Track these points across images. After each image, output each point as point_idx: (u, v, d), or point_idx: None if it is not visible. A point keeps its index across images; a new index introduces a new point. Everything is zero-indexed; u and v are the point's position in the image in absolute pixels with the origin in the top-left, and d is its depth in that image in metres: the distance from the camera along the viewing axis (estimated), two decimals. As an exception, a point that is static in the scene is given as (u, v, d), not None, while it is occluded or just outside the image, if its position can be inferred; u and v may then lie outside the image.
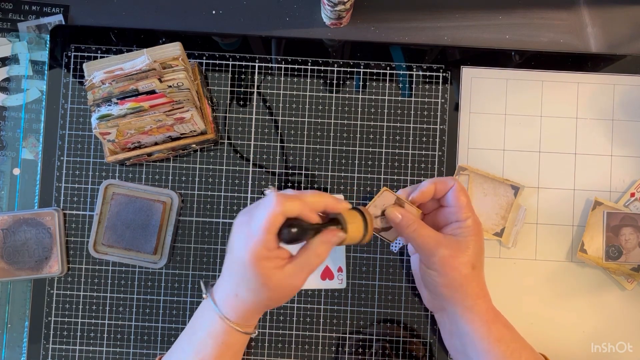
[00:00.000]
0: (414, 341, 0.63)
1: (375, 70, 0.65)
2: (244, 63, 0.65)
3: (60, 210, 0.63)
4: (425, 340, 0.63)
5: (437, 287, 0.54)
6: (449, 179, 0.55)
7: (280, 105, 0.65)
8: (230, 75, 0.65)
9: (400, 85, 0.65)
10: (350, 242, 0.51)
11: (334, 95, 0.65)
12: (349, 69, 0.65)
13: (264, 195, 0.50)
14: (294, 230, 0.47)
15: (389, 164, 0.64)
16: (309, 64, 0.65)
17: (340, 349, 0.63)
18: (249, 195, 0.64)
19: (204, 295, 0.52)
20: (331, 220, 0.50)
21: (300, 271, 0.49)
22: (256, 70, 0.65)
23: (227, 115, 0.64)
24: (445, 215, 0.55)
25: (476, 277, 0.53)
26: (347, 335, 0.63)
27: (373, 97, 0.65)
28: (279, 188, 0.64)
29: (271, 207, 0.46)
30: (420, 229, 0.54)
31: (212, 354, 0.50)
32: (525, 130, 0.64)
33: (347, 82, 0.65)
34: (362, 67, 0.65)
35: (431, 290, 0.57)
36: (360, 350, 0.63)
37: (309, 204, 0.48)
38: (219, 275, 0.63)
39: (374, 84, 0.65)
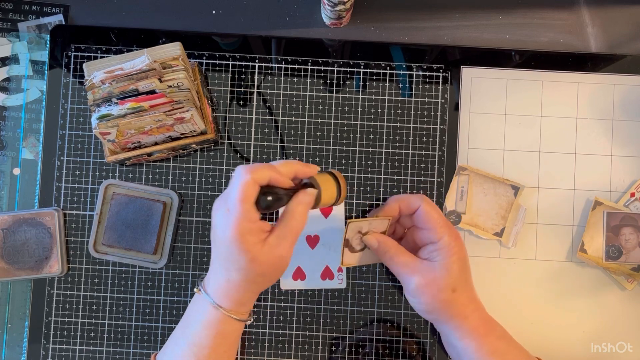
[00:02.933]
0: (413, 341, 0.63)
1: (375, 70, 0.65)
2: (244, 63, 0.65)
3: (60, 210, 0.63)
4: (425, 341, 0.63)
5: (420, 312, 0.55)
6: (415, 199, 0.53)
7: (280, 105, 0.65)
8: (230, 75, 0.65)
9: (400, 85, 0.65)
10: (325, 204, 0.51)
11: (334, 95, 0.65)
12: (349, 69, 0.65)
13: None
14: (269, 198, 0.48)
15: (389, 164, 0.64)
16: (309, 64, 0.65)
17: (340, 349, 0.63)
18: (249, 195, 0.64)
19: (195, 289, 0.52)
20: (304, 185, 0.51)
21: (283, 239, 0.48)
22: (256, 70, 0.65)
23: (227, 115, 0.65)
24: (420, 235, 0.54)
25: (459, 298, 0.52)
26: (347, 335, 0.63)
27: (373, 97, 0.65)
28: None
29: (241, 177, 0.46)
30: (397, 256, 0.53)
31: (208, 345, 0.50)
32: (525, 130, 0.64)
33: (347, 82, 0.65)
34: (362, 67, 0.65)
35: (418, 313, 0.56)
36: (360, 350, 0.63)
37: (279, 170, 0.48)
38: (219, 275, 0.63)
39: (374, 84, 0.65)
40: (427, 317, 0.55)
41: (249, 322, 0.53)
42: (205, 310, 0.50)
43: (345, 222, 0.56)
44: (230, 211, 0.47)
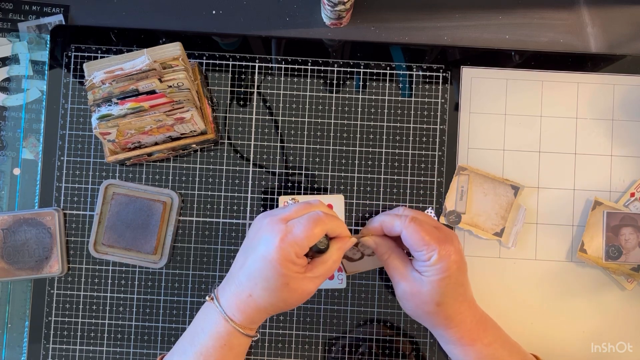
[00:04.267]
0: (407, 341, 0.63)
1: (375, 70, 0.65)
2: (244, 63, 0.65)
3: (60, 210, 0.63)
4: (425, 341, 0.63)
5: (408, 314, 0.56)
6: (397, 223, 0.53)
7: (280, 105, 0.65)
8: (230, 75, 0.65)
9: (400, 85, 0.65)
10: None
11: (334, 95, 0.65)
12: (349, 69, 0.65)
13: (291, 202, 0.53)
14: (325, 243, 0.51)
15: (389, 164, 0.64)
16: (309, 64, 0.65)
17: (340, 348, 0.63)
18: (249, 195, 0.64)
19: (207, 297, 0.52)
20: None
21: (317, 277, 0.50)
22: (256, 70, 0.65)
23: (227, 115, 0.65)
24: (412, 252, 0.54)
25: (443, 311, 0.53)
26: (347, 335, 0.63)
27: (373, 97, 0.65)
28: (279, 188, 0.64)
29: (318, 219, 0.49)
30: (391, 259, 0.55)
31: (215, 356, 0.50)
32: (525, 130, 0.64)
33: (347, 82, 0.65)
34: (362, 67, 0.65)
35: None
36: (359, 350, 0.63)
37: (340, 226, 0.51)
38: (219, 276, 0.63)
39: (374, 84, 0.65)
40: (416, 320, 0.57)
41: (255, 338, 0.53)
42: (216, 322, 0.50)
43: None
44: (289, 237, 0.48)
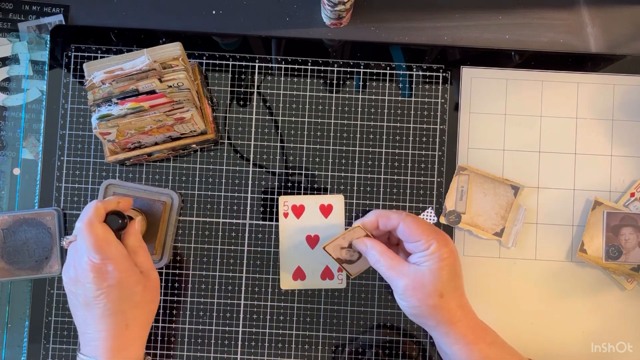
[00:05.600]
0: (413, 342, 0.63)
1: (375, 70, 0.65)
2: (244, 63, 0.65)
3: (60, 210, 0.63)
4: (425, 341, 0.63)
5: (409, 315, 0.54)
6: (393, 216, 0.53)
7: (280, 105, 0.65)
8: (230, 75, 0.65)
9: (400, 85, 0.65)
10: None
11: (334, 95, 0.65)
12: (349, 69, 0.65)
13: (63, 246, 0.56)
14: (124, 222, 0.55)
15: (389, 164, 0.64)
16: (309, 64, 0.65)
17: (340, 349, 0.63)
18: (249, 195, 0.64)
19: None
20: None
21: (151, 269, 0.55)
22: (256, 70, 0.65)
23: (227, 115, 0.65)
24: (409, 246, 0.54)
25: (447, 304, 0.52)
26: (347, 336, 0.63)
27: (373, 97, 0.65)
28: (279, 188, 0.64)
29: (86, 228, 0.52)
30: (385, 259, 0.53)
31: None
32: (525, 130, 0.64)
33: (347, 82, 0.65)
34: (362, 67, 0.65)
35: (408, 317, 0.56)
36: (359, 350, 0.63)
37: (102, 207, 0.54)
38: (219, 276, 0.63)
39: (374, 84, 0.65)
40: (417, 321, 0.55)
41: None
42: None
43: (325, 244, 0.57)
44: (105, 262, 0.51)
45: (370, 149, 0.64)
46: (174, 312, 0.63)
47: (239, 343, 0.63)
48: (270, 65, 0.65)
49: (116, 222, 0.54)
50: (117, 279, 0.51)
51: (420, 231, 0.52)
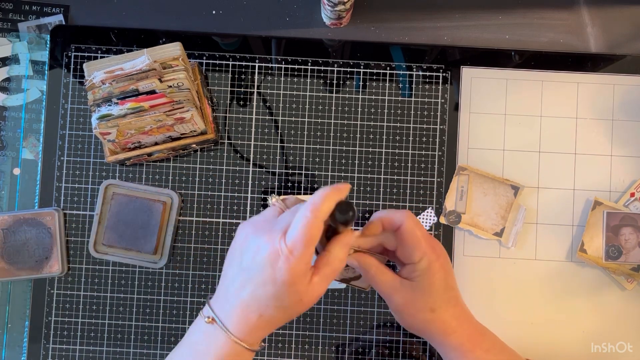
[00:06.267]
0: (414, 341, 0.63)
1: (375, 70, 0.65)
2: (244, 63, 0.65)
3: (60, 210, 0.63)
4: (426, 341, 0.63)
5: (404, 327, 0.54)
6: (398, 216, 0.52)
7: (280, 105, 0.65)
8: (230, 75, 0.65)
9: (400, 85, 0.65)
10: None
11: (334, 95, 0.65)
12: (349, 69, 0.65)
13: (268, 204, 0.49)
14: (350, 214, 0.45)
15: (389, 164, 0.64)
16: (309, 64, 0.65)
17: (340, 348, 0.63)
18: (249, 195, 0.64)
19: (206, 319, 0.48)
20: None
21: (325, 280, 0.47)
22: (256, 70, 0.65)
23: (227, 115, 0.65)
24: (403, 253, 0.53)
25: (439, 317, 0.51)
26: (348, 336, 0.63)
27: (373, 97, 0.65)
28: (279, 188, 0.64)
29: (308, 215, 0.44)
30: (377, 275, 0.52)
31: None
32: (525, 130, 0.64)
33: (347, 82, 0.65)
34: (362, 67, 0.65)
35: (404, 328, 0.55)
36: (360, 350, 0.63)
37: (341, 190, 0.46)
38: (219, 276, 0.63)
39: (374, 84, 0.65)
40: (412, 332, 0.55)
41: (259, 350, 0.52)
42: (223, 345, 0.47)
43: None
44: (293, 253, 0.44)
45: (370, 149, 0.64)
46: (174, 311, 0.63)
47: None
48: (270, 65, 0.65)
49: (346, 213, 0.45)
50: (281, 278, 0.45)
51: (418, 239, 0.51)
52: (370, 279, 0.53)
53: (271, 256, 0.45)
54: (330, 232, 0.48)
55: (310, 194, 0.64)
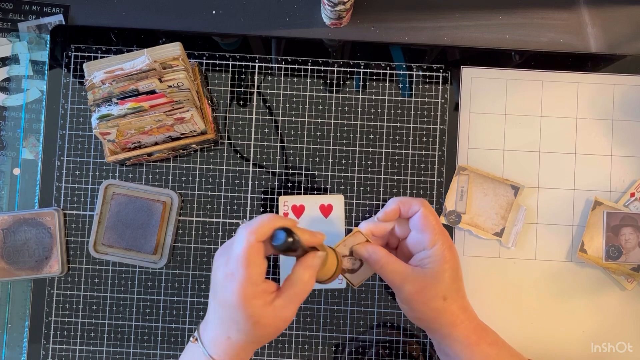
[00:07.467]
0: (413, 341, 0.63)
1: (375, 70, 0.65)
2: (244, 63, 0.65)
3: (60, 210, 0.63)
4: (426, 340, 0.63)
5: (411, 319, 0.54)
6: (415, 202, 0.53)
7: (280, 105, 0.65)
8: (230, 75, 0.65)
9: (400, 85, 0.65)
10: (321, 277, 0.50)
11: (334, 95, 0.65)
12: (349, 69, 0.65)
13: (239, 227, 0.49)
14: (289, 240, 0.44)
15: (389, 164, 0.64)
16: (309, 64, 0.65)
17: (340, 348, 0.63)
18: (249, 195, 0.64)
19: (192, 339, 0.50)
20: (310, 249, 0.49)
21: (290, 303, 0.47)
22: (256, 70, 0.65)
23: (227, 115, 0.65)
24: (414, 241, 0.54)
25: (449, 307, 0.52)
26: (347, 336, 0.63)
27: (373, 97, 0.65)
28: (279, 188, 0.64)
29: (243, 239, 0.45)
30: (388, 264, 0.52)
31: None
32: (525, 130, 0.64)
33: (347, 82, 0.65)
34: (362, 67, 0.65)
35: (410, 320, 0.56)
36: (359, 350, 0.63)
37: (285, 221, 0.47)
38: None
39: (374, 84, 0.65)
40: (419, 325, 0.55)
41: None
42: None
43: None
44: (234, 275, 0.45)
45: (370, 149, 0.64)
46: (174, 311, 0.63)
47: None
48: (270, 65, 0.65)
49: (280, 241, 0.44)
50: (230, 301, 0.46)
51: (433, 225, 0.52)
52: (379, 270, 0.53)
53: (224, 278, 0.46)
54: (300, 255, 0.48)
55: (310, 194, 0.64)
